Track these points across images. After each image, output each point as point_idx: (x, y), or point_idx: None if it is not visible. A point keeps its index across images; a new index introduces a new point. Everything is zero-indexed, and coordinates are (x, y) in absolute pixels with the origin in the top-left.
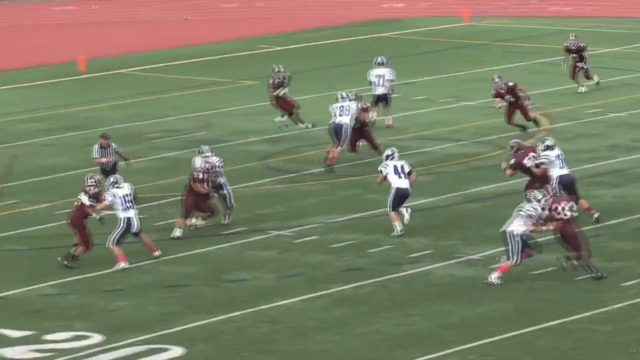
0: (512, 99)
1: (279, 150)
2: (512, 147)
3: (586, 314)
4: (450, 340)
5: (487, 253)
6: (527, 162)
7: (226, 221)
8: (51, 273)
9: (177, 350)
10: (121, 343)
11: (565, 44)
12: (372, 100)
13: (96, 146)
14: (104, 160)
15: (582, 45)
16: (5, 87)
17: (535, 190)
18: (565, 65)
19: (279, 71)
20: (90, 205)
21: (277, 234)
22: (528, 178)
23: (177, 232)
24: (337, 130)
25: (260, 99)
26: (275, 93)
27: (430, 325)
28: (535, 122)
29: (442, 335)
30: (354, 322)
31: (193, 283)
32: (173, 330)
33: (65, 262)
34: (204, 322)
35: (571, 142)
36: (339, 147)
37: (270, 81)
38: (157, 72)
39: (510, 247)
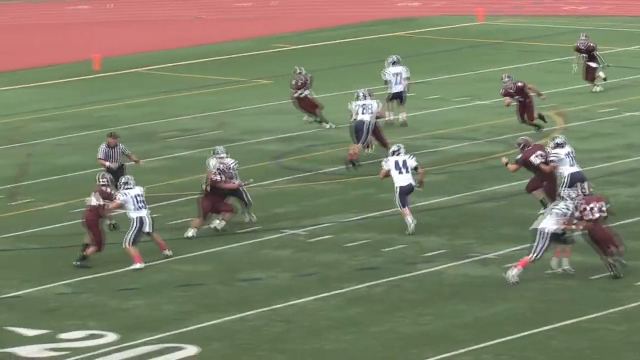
0: (520, 99)
1: (293, 150)
2: (519, 144)
3: (601, 313)
4: (464, 340)
5: (502, 252)
6: (535, 159)
7: (252, 219)
8: (66, 272)
9: (192, 349)
10: (136, 342)
11: (576, 44)
12: (386, 98)
13: (102, 146)
14: (107, 164)
15: (591, 45)
16: (20, 86)
17: (568, 189)
18: (576, 65)
19: (300, 72)
20: (102, 205)
21: (291, 233)
22: (527, 179)
23: (191, 232)
24: (358, 127)
25: (275, 98)
26: (296, 95)
27: (444, 325)
28: (540, 122)
29: (455, 334)
30: (367, 322)
31: (207, 282)
32: (188, 329)
33: (79, 264)
34: (218, 321)
35: (585, 142)
36: (360, 144)
37: (293, 82)
38: (172, 71)
39: (537, 243)
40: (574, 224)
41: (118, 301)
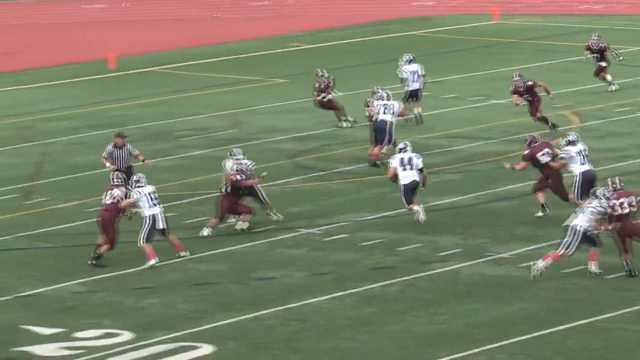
0: (529, 99)
1: (308, 149)
2: (526, 140)
3: (616, 312)
4: (479, 339)
5: (516, 252)
6: (542, 157)
7: (279, 218)
8: (81, 271)
9: (207, 348)
10: (151, 341)
11: (587, 43)
12: (403, 97)
13: (109, 146)
14: (108, 164)
15: (603, 45)
16: (36, 85)
17: (600, 187)
18: (586, 58)
19: (322, 75)
20: (114, 203)
21: (307, 232)
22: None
23: (206, 232)
24: (381, 127)
25: (290, 97)
26: (319, 98)
27: (459, 324)
28: (545, 119)
29: (470, 334)
30: (382, 321)
31: (222, 281)
32: (203, 328)
33: (94, 263)
34: (233, 320)
35: (601, 141)
36: (387, 145)
37: (316, 85)
38: (187, 70)
39: (569, 239)
40: (604, 225)
41: (133, 300)
